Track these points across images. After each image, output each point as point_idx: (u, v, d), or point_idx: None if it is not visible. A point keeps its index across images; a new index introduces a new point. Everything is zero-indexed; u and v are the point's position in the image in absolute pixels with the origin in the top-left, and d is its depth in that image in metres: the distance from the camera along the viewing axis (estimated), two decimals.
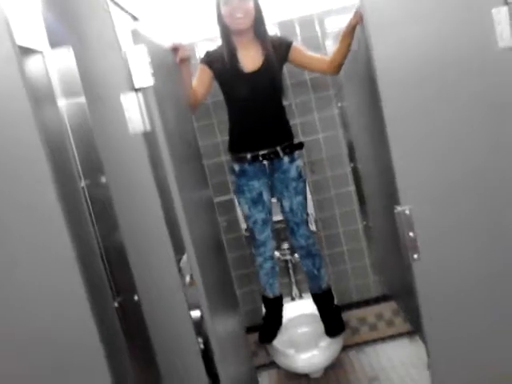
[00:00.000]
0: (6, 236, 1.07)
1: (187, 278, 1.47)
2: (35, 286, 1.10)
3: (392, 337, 2.86)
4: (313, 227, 2.59)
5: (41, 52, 1.24)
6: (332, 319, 2.45)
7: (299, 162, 2.35)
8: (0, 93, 1.02)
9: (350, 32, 2.01)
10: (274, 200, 2.42)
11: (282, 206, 2.39)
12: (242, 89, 2.20)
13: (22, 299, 1.10)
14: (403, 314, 2.78)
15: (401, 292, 2.28)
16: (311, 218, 2.60)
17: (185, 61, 1.99)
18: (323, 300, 2.50)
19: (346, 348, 2.72)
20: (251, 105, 2.22)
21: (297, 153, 2.35)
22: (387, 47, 1.28)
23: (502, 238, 1.39)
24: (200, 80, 2.21)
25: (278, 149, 2.28)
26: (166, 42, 1.88)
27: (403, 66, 1.30)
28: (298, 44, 2.30)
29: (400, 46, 1.29)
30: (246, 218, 2.40)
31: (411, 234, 1.34)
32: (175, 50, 1.91)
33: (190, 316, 1.42)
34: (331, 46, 2.43)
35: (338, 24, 2.49)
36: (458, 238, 1.38)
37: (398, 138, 1.32)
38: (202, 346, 1.46)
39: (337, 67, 2.22)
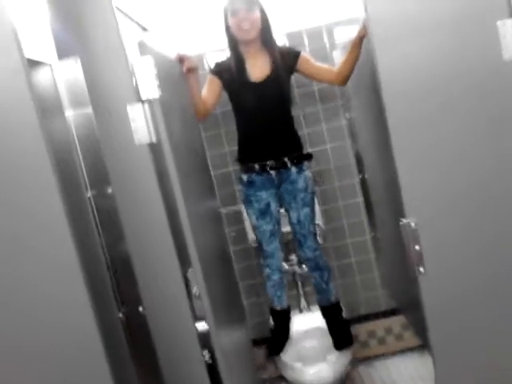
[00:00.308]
0: (12, 245, 1.08)
1: (195, 290, 1.47)
2: (40, 295, 1.11)
3: (401, 351, 2.82)
4: (320, 240, 2.57)
5: (49, 64, 1.26)
6: (340, 332, 2.42)
7: (307, 173, 2.34)
8: (8, 105, 1.04)
9: (358, 43, 2.01)
10: (282, 211, 2.41)
11: (289, 217, 2.38)
12: (250, 98, 2.21)
13: (26, 308, 1.11)
14: (412, 328, 2.75)
15: (409, 305, 2.25)
16: (318, 230, 2.59)
17: (192, 71, 2.01)
18: (331, 313, 2.48)
19: (355, 362, 2.69)
20: (259, 115, 2.23)
21: (305, 164, 2.34)
22: (392, 60, 1.28)
23: (508, 251, 1.37)
24: (209, 90, 2.23)
25: (286, 159, 2.28)
26: (173, 53, 1.90)
27: (408, 78, 1.29)
28: (306, 54, 2.31)
29: (405, 59, 1.29)
30: (254, 228, 2.40)
31: (417, 246, 1.33)
32: (181, 60, 1.93)
33: (196, 328, 1.41)
34: (339, 57, 2.43)
35: (345, 35, 2.50)
36: (463, 250, 1.37)
37: (402, 151, 1.31)
38: (208, 359, 1.45)
39: (344, 78, 2.23)
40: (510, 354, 1.43)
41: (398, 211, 1.39)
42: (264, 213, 2.33)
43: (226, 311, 1.78)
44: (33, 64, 1.15)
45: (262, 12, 2.16)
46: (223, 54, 2.31)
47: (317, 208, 2.53)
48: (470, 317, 1.40)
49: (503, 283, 1.38)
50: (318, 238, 2.50)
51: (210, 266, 1.60)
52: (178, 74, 1.90)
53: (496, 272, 1.38)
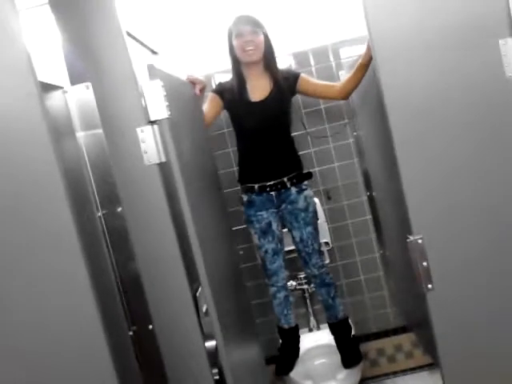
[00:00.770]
0: (25, 263, 1.10)
1: (204, 308, 1.48)
2: (52, 314, 1.12)
3: (411, 369, 2.80)
4: (326, 259, 2.58)
5: (61, 88, 1.29)
6: (348, 350, 2.41)
7: (308, 192, 2.35)
8: (22, 127, 1.07)
9: (366, 65, 2.04)
10: (285, 230, 2.43)
11: (292, 236, 2.39)
12: (249, 118, 2.25)
13: (38, 327, 1.12)
14: (422, 346, 2.72)
15: (418, 323, 2.24)
16: (327, 247, 2.60)
17: (201, 91, 2.05)
18: (339, 329, 2.47)
19: (364, 380, 2.66)
20: (258, 134, 2.26)
21: (305, 183, 2.36)
22: (395, 77, 1.31)
23: None
24: (210, 106, 2.27)
25: (285, 180, 2.30)
26: (184, 75, 1.94)
27: (411, 95, 1.32)
28: (305, 75, 2.35)
29: (408, 76, 1.31)
30: (257, 247, 2.42)
31: (424, 263, 1.34)
32: (193, 83, 1.98)
33: (205, 346, 1.42)
34: (345, 76, 2.47)
35: (351, 54, 2.54)
36: (471, 266, 1.37)
37: (408, 167, 1.33)
38: (216, 377, 1.45)
39: (347, 94, 2.28)
40: None
41: (406, 228, 1.40)
42: (265, 232, 2.34)
43: (236, 329, 1.78)
44: (46, 87, 1.19)
45: (266, 36, 2.21)
46: (229, 75, 2.36)
47: (325, 226, 2.54)
48: (478, 333, 1.40)
49: None
50: (325, 255, 2.50)
51: (220, 285, 1.61)
52: (189, 94, 1.94)
53: (504, 288, 1.37)
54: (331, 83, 2.35)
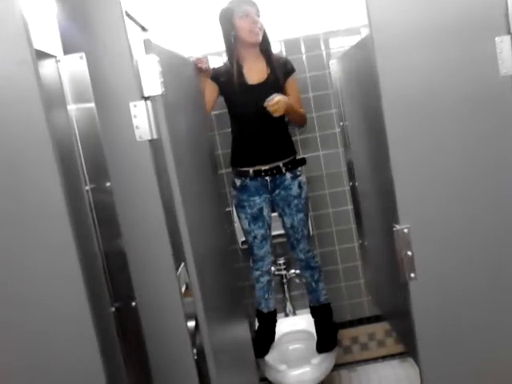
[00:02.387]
0: (10, 232, 1.08)
1: (183, 288, 1.48)
2: (36, 286, 1.11)
3: (383, 357, 2.86)
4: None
5: (55, 56, 1.26)
6: (325, 335, 2.45)
7: (302, 178, 2.36)
8: (15, 94, 1.04)
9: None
10: (274, 214, 2.43)
11: (283, 221, 2.41)
12: (246, 101, 2.24)
13: (22, 299, 1.11)
14: (395, 335, 2.78)
15: (394, 313, 2.29)
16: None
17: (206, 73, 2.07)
18: (320, 313, 2.51)
19: (337, 366, 2.71)
20: (254, 118, 2.25)
21: (299, 169, 2.36)
22: (392, 69, 1.31)
23: (499, 258, 1.41)
24: (207, 94, 2.26)
25: (281, 164, 2.30)
26: (186, 53, 1.92)
27: (407, 88, 1.32)
28: (295, 78, 2.37)
29: (405, 69, 1.32)
30: (246, 232, 2.41)
31: (409, 252, 1.36)
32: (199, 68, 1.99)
33: (186, 325, 1.42)
34: (335, 66, 2.48)
35: (342, 44, 2.55)
36: (455, 257, 1.40)
37: (399, 158, 1.34)
38: (196, 357, 1.46)
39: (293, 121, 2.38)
40: (498, 362, 1.46)
41: (389, 218, 1.42)
42: (256, 218, 2.35)
43: (222, 309, 1.79)
44: (40, 55, 1.16)
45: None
46: (220, 57, 2.35)
47: None
48: (458, 324, 1.43)
49: (493, 291, 1.42)
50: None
51: (205, 265, 1.61)
52: (188, 72, 1.91)
53: (486, 279, 1.41)
54: (298, 108, 2.36)
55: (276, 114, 2.13)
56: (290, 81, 2.34)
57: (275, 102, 2.11)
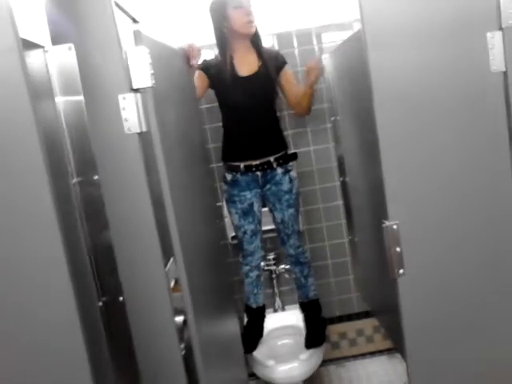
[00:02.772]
0: None
1: (172, 283, 1.47)
2: (19, 275, 1.09)
3: (371, 353, 2.87)
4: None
5: (42, 47, 1.24)
6: (313, 330, 2.45)
7: (293, 174, 2.35)
8: (0, 83, 1.02)
9: (312, 86, 2.18)
10: (265, 209, 2.43)
11: (273, 216, 2.40)
12: (236, 93, 2.23)
13: (7, 292, 1.09)
14: (383, 331, 2.79)
15: (382, 309, 2.29)
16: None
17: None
18: (309, 309, 2.51)
19: (325, 362, 2.72)
20: (244, 111, 2.24)
21: (290, 164, 2.35)
22: (384, 66, 1.31)
23: (489, 255, 1.42)
24: (197, 84, 2.24)
25: (272, 160, 2.29)
26: (177, 43, 1.90)
27: (398, 84, 1.32)
28: (289, 70, 2.36)
29: (397, 65, 1.31)
30: (236, 227, 2.40)
31: (398, 249, 1.36)
32: (190, 54, 1.95)
33: (174, 320, 1.41)
34: (328, 60, 2.47)
35: (334, 39, 2.54)
36: (444, 254, 1.40)
37: (389, 154, 1.34)
38: (183, 352, 1.45)
39: (302, 110, 2.35)
40: (485, 358, 1.46)
41: (379, 214, 1.42)
42: (247, 213, 2.34)
43: (211, 304, 1.78)
44: (27, 44, 1.13)
45: None
46: (212, 51, 2.33)
47: None
48: (446, 321, 1.43)
49: (482, 287, 1.42)
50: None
51: (195, 260, 1.60)
52: (179, 64, 1.89)
53: (475, 276, 1.42)
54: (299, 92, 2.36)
55: (316, 79, 2.12)
56: (285, 73, 2.32)
57: (320, 61, 2.07)
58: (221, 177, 2.53)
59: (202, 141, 2.19)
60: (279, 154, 2.31)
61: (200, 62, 2.01)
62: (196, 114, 2.09)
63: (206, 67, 2.27)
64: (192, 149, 1.89)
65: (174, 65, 1.81)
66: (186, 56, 1.93)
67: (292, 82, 2.34)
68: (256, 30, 2.23)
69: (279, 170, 2.30)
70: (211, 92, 2.35)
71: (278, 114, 2.42)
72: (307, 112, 2.36)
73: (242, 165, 2.29)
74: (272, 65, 2.27)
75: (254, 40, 2.25)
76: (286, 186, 2.32)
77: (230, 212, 2.40)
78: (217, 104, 2.38)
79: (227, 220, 2.57)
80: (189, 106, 1.96)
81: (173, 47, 1.82)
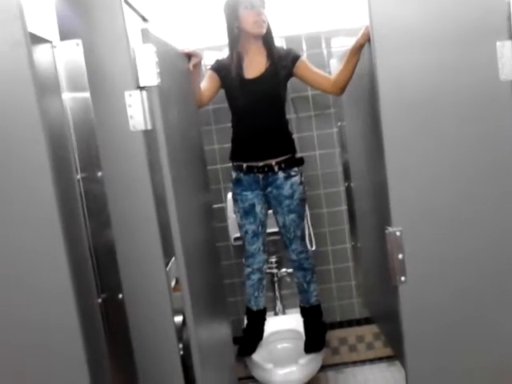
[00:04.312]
0: None
1: (172, 283, 1.46)
2: (20, 269, 1.10)
3: (371, 360, 2.85)
4: (313, 246, 2.56)
5: (50, 42, 1.25)
6: (313, 335, 2.43)
7: (296, 179, 2.32)
8: (7, 77, 1.03)
9: (357, 52, 2.00)
10: (270, 211, 2.41)
11: (276, 219, 2.39)
12: (242, 95, 2.22)
13: (4, 281, 1.10)
14: (384, 338, 2.78)
15: (383, 316, 2.28)
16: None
17: (196, 66, 2.02)
18: (309, 314, 2.49)
19: (325, 367, 2.70)
20: (250, 113, 2.23)
21: (295, 169, 2.33)
22: (392, 71, 1.31)
23: (491, 264, 1.40)
24: (208, 84, 2.24)
25: (273, 163, 2.28)
26: (180, 45, 1.90)
27: (405, 90, 1.32)
28: (305, 59, 2.29)
29: (405, 71, 1.31)
30: (238, 226, 2.41)
31: (400, 256, 1.35)
32: (189, 55, 1.95)
33: (173, 320, 1.41)
34: (335, 66, 2.46)
35: (343, 44, 2.53)
36: (446, 263, 1.39)
37: (394, 161, 1.34)
38: (182, 352, 1.45)
39: (340, 88, 2.19)
40: (486, 367, 1.45)
41: (382, 220, 1.41)
42: (248, 213, 2.33)
43: (207, 306, 1.78)
44: (35, 39, 1.14)
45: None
46: (220, 52, 2.32)
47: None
48: (446, 330, 1.42)
49: (483, 296, 1.41)
50: (308, 243, 2.50)
51: (194, 260, 1.59)
52: (183, 65, 1.90)
53: (476, 285, 1.40)
54: (327, 75, 2.28)
55: (361, 45, 1.93)
56: (300, 64, 2.25)
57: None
58: (225, 178, 2.53)
59: (200, 142, 2.19)
60: (282, 158, 2.29)
61: (208, 62, 2.00)
62: (195, 115, 2.09)
63: (217, 68, 2.26)
64: (192, 149, 1.89)
65: (178, 65, 1.82)
66: (188, 57, 1.93)
67: (311, 68, 2.27)
68: (268, 29, 2.22)
69: (281, 174, 2.29)
70: (221, 92, 2.34)
71: (288, 116, 2.39)
72: (342, 92, 2.22)
73: (244, 165, 2.29)
74: (282, 65, 2.25)
75: (266, 40, 2.24)
76: (286, 191, 2.30)
77: (234, 210, 2.41)
78: (223, 105, 2.38)
79: (230, 221, 2.56)
80: (189, 107, 1.96)
81: (177, 48, 1.83)
